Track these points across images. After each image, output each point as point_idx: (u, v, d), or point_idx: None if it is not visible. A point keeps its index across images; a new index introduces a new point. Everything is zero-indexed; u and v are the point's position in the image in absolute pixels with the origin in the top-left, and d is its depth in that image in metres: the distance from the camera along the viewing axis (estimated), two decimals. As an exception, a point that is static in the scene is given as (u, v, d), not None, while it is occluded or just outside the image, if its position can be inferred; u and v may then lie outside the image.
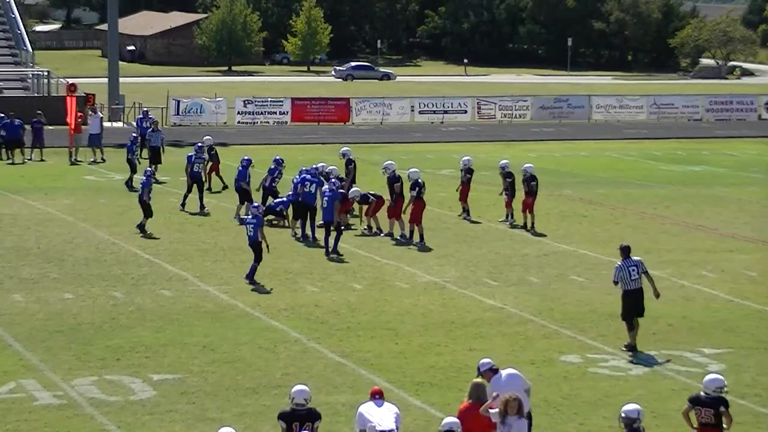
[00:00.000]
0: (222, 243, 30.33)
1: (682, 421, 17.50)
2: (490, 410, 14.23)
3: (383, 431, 14.17)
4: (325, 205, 29.15)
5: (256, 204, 28.03)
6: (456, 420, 13.85)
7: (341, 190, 30.40)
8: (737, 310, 24.46)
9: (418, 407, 18.13)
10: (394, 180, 31.46)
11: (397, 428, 14.31)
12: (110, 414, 17.67)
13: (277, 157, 34.87)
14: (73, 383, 19.02)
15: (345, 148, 36.03)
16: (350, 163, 34.89)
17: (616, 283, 21.33)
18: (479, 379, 14.97)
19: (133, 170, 38.94)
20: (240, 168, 33.76)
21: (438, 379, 19.54)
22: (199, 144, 36.47)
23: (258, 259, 26.18)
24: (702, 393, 15.05)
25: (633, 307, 21.15)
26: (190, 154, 35.56)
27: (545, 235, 31.94)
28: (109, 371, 19.67)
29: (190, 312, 23.55)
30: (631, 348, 21.10)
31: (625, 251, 21.30)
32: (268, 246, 26.19)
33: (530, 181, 32.62)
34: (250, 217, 26.80)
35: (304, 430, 14.13)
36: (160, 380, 19.22)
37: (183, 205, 34.80)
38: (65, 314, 23.18)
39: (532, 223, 32.48)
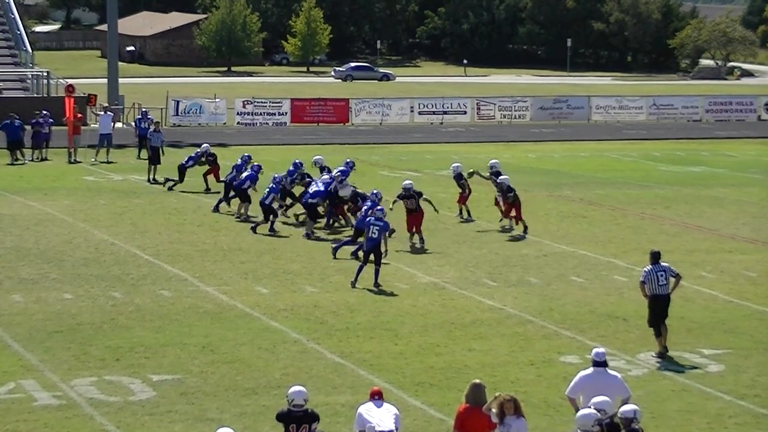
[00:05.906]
0: (222, 243, 30.32)
1: (680, 422, 17.56)
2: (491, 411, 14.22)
3: (382, 432, 14.20)
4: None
5: (380, 207, 27.08)
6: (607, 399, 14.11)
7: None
8: (736, 311, 24.44)
9: (418, 408, 18.12)
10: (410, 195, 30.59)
11: (396, 429, 14.31)
12: (110, 414, 17.66)
13: (297, 161, 34.72)
14: (72, 383, 19.01)
15: (317, 156, 35.70)
16: (323, 170, 34.23)
17: (644, 283, 21.23)
18: (478, 380, 14.95)
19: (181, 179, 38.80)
20: (251, 172, 33.63)
21: (437, 380, 19.52)
22: (247, 155, 36.02)
23: (379, 262, 25.82)
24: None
25: (660, 313, 21.08)
26: (237, 166, 35.09)
27: (545, 236, 31.94)
28: (108, 371, 19.65)
29: (189, 312, 23.55)
30: (661, 355, 21.00)
31: (655, 257, 21.19)
32: (386, 251, 26.20)
33: (507, 192, 32.44)
34: (374, 218, 26.17)
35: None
36: (159, 380, 19.21)
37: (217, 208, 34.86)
38: (64, 314, 23.17)
39: (525, 228, 32.22)
